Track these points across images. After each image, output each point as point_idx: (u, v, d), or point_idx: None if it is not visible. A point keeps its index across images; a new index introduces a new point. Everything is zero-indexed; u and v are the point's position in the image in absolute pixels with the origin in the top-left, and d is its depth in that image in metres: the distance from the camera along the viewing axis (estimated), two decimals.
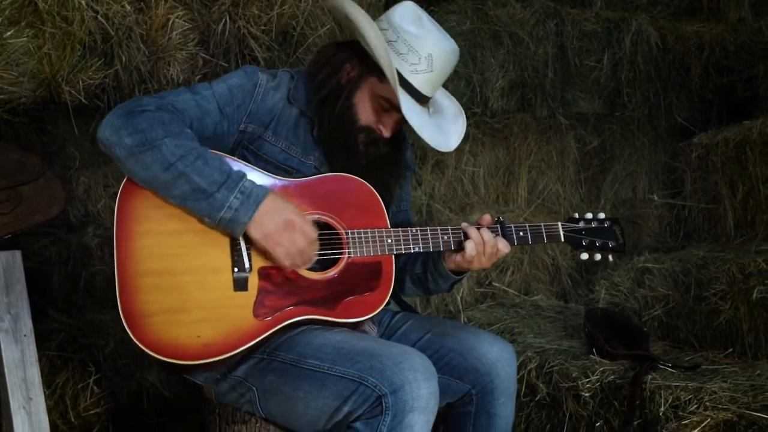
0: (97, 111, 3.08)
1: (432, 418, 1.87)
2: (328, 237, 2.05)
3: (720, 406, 2.30)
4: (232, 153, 2.09)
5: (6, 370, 2.28)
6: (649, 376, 2.53)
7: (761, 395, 2.35)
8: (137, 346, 1.83)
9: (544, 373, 2.82)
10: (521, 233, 2.18)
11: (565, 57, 3.85)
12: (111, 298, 1.88)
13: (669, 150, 4.22)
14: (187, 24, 3.10)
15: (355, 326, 2.05)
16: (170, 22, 3.07)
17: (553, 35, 3.81)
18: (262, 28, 3.15)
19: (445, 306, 3.59)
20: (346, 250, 2.04)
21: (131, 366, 2.89)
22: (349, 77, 2.15)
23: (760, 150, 3.36)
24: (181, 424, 3.00)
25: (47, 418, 2.33)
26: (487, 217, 2.17)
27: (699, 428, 2.29)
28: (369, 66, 2.10)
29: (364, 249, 2.04)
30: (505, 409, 2.15)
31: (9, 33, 2.80)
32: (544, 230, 2.20)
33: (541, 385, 2.82)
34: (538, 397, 2.83)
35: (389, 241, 2.06)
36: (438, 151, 3.71)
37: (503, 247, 2.12)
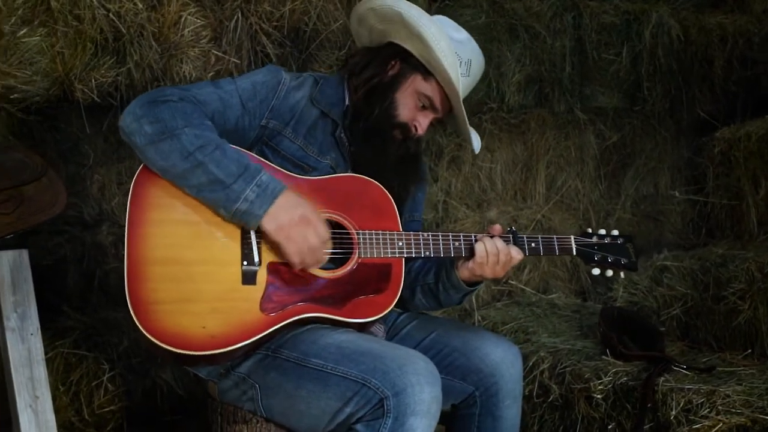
0: (110, 109, 3.09)
1: (434, 423, 1.85)
2: (339, 236, 2.04)
3: (733, 410, 2.26)
4: (250, 148, 2.10)
5: (13, 368, 2.28)
6: (662, 378, 2.48)
7: None
8: (143, 333, 1.83)
9: (556, 373, 2.79)
10: (533, 244, 2.16)
11: (583, 50, 3.79)
12: (124, 293, 1.88)
13: (691, 145, 4.14)
14: (199, 21, 3.09)
15: (362, 327, 2.04)
16: (182, 19, 3.07)
17: (571, 28, 3.75)
18: (275, 24, 3.14)
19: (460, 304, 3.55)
20: (357, 251, 2.03)
21: (145, 364, 2.90)
22: (393, 75, 2.19)
23: None
24: (194, 422, 3.00)
25: (54, 417, 2.33)
26: (497, 227, 2.15)
27: None
28: (413, 64, 2.17)
29: (375, 250, 2.03)
30: (511, 411, 2.11)
31: (22, 32, 2.82)
32: (556, 242, 2.18)
33: (553, 385, 2.78)
34: (551, 398, 2.79)
35: (400, 243, 2.05)
36: (453, 147, 3.72)
37: (516, 254, 2.11)
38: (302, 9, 3.15)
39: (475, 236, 2.11)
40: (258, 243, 1.96)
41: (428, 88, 2.16)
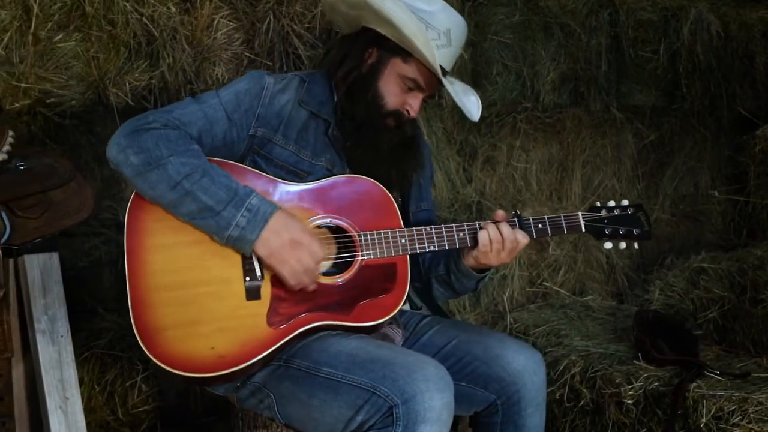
0: (145, 113, 3.12)
1: (445, 430, 1.81)
2: (341, 240, 2.03)
3: (766, 417, 2.20)
4: (242, 159, 2.08)
5: (43, 370, 2.32)
6: (694, 384, 2.43)
7: None
8: (153, 361, 1.84)
9: (587, 378, 2.75)
10: (540, 225, 2.11)
11: (619, 48, 3.73)
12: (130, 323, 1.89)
13: (732, 143, 4.05)
14: (231, 23, 3.11)
15: (373, 329, 2.02)
16: (215, 22, 3.09)
17: (607, 25, 3.69)
18: (306, 25, 3.13)
19: (494, 306, 3.52)
20: (360, 253, 2.00)
21: None
22: (371, 64, 2.13)
23: None
24: (226, 424, 3.02)
25: (83, 418, 2.36)
26: (500, 213, 2.11)
27: None
28: (389, 49, 2.09)
29: (378, 250, 2.01)
30: (533, 419, 2.07)
31: (58, 37, 2.87)
32: (564, 221, 2.12)
33: (584, 390, 2.74)
34: (581, 403, 2.75)
35: (403, 241, 2.02)
36: (488, 148, 3.68)
37: (522, 238, 2.06)
38: None
39: (479, 224, 2.07)
40: (258, 257, 1.95)
41: (410, 70, 2.09)
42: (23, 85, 2.80)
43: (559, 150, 3.84)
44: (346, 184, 2.07)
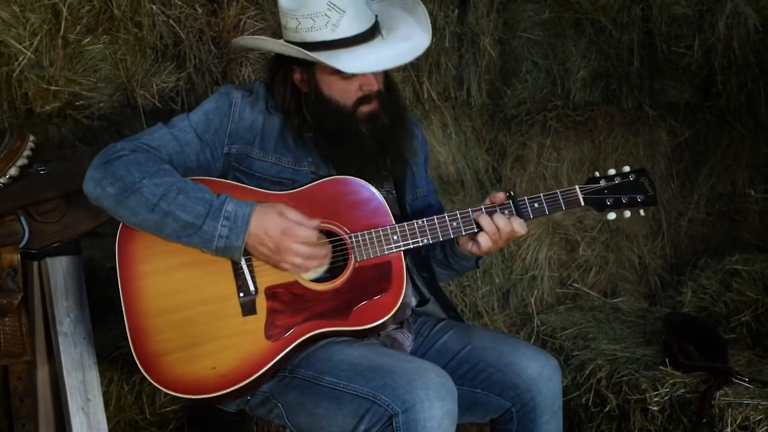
0: (172, 114, 3.13)
1: None
2: (333, 244, 2.00)
3: None
4: (223, 178, 2.06)
5: (65, 372, 2.35)
6: (721, 392, 2.36)
7: None
8: (157, 388, 1.86)
9: (613, 383, 2.69)
10: (536, 204, 2.04)
11: (652, 44, 3.65)
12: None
13: None
14: (258, 24, 3.12)
15: (376, 330, 2.00)
16: (242, 23, 3.10)
17: (639, 21, 3.62)
18: None
19: (524, 307, 3.47)
20: (352, 255, 1.98)
21: None
22: (304, 82, 2.06)
23: None
24: (252, 424, 3.04)
25: (105, 419, 2.39)
26: (499, 196, 2.05)
27: None
28: (306, 61, 2.01)
29: (371, 250, 1.97)
30: (549, 426, 2.03)
31: (87, 40, 2.90)
32: (561, 197, 2.05)
33: (610, 395, 2.69)
34: (607, 408, 2.70)
35: (395, 237, 1.98)
36: (517, 147, 3.64)
37: (519, 228, 2.00)
38: None
39: (471, 211, 2.01)
40: (250, 270, 1.94)
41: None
42: (53, 88, 2.84)
43: (590, 148, 3.77)
44: (332, 185, 2.03)
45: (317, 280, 1.99)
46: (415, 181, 2.30)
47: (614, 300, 3.55)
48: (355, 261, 1.98)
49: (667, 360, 2.67)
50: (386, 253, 1.98)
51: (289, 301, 1.93)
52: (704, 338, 2.72)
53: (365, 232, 1.98)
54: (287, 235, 1.88)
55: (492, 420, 2.11)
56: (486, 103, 3.60)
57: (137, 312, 1.89)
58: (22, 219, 2.24)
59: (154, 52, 3.03)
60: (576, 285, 3.55)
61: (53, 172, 2.31)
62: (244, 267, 1.93)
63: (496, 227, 1.99)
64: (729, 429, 2.23)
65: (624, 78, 3.65)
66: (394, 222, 2.01)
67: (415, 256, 2.11)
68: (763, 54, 3.74)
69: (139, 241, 1.92)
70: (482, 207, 2.04)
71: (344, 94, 2.03)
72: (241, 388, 1.88)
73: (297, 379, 1.93)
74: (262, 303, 1.92)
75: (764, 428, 2.17)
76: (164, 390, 1.86)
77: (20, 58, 2.75)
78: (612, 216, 2.08)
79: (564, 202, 2.06)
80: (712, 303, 3.06)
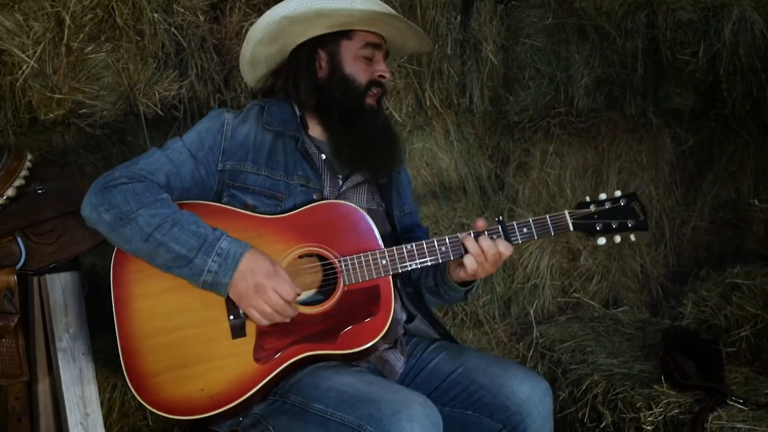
0: (174, 122, 3.14)
1: None
2: (323, 269, 2.02)
3: None
4: (219, 196, 2.10)
5: (64, 387, 2.37)
6: (714, 414, 2.35)
7: None
8: (148, 409, 1.88)
9: (609, 399, 2.69)
10: (525, 230, 2.05)
11: (656, 50, 3.62)
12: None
13: None
14: None
15: (364, 354, 2.01)
16: (244, 30, 3.09)
17: (644, 27, 3.59)
18: None
19: (525, 317, 3.47)
20: (341, 279, 1.99)
21: None
22: (327, 61, 2.19)
23: None
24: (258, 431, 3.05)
25: None
26: (480, 223, 2.06)
27: None
28: (331, 39, 2.19)
29: (359, 274, 1.99)
30: None
31: (89, 48, 2.90)
32: (550, 222, 2.06)
33: (606, 412, 2.68)
34: (603, 424, 2.69)
35: (384, 262, 2.00)
36: (520, 153, 3.62)
37: (504, 250, 2.02)
38: None
39: (459, 236, 2.03)
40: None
41: (360, 41, 2.18)
42: (57, 96, 2.86)
43: (594, 155, 3.75)
44: (324, 210, 2.05)
45: (306, 304, 2.00)
46: (402, 199, 2.35)
47: (615, 311, 3.54)
48: (344, 285, 1.99)
49: (663, 377, 2.65)
50: (375, 277, 1.99)
51: (277, 324, 1.95)
52: (702, 353, 2.70)
53: (354, 256, 2.00)
54: (271, 280, 1.90)
55: None
56: (489, 109, 3.59)
57: (129, 333, 1.92)
58: (19, 240, 2.25)
59: (156, 60, 3.03)
60: (577, 295, 3.54)
61: (51, 192, 2.32)
62: None
63: (480, 249, 2.01)
64: None
65: (628, 85, 3.62)
66: (383, 246, 2.03)
67: (401, 275, 2.13)
68: None
69: (133, 263, 1.95)
70: (471, 231, 2.05)
71: (362, 73, 2.17)
72: (229, 409, 1.90)
73: (287, 404, 1.95)
74: (251, 326, 1.95)
75: None
76: (155, 411, 1.88)
77: (24, 67, 2.77)
78: (602, 241, 2.07)
79: (553, 228, 2.06)
80: (713, 316, 3.03)
